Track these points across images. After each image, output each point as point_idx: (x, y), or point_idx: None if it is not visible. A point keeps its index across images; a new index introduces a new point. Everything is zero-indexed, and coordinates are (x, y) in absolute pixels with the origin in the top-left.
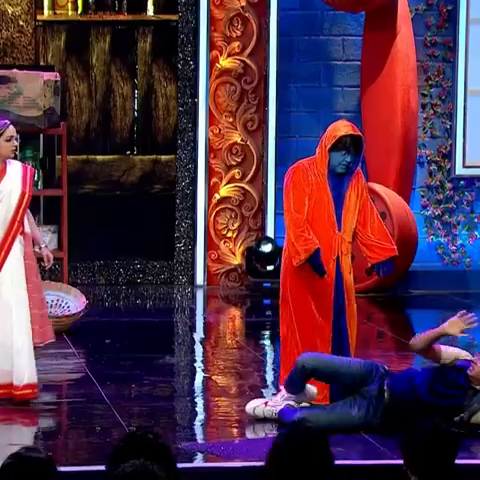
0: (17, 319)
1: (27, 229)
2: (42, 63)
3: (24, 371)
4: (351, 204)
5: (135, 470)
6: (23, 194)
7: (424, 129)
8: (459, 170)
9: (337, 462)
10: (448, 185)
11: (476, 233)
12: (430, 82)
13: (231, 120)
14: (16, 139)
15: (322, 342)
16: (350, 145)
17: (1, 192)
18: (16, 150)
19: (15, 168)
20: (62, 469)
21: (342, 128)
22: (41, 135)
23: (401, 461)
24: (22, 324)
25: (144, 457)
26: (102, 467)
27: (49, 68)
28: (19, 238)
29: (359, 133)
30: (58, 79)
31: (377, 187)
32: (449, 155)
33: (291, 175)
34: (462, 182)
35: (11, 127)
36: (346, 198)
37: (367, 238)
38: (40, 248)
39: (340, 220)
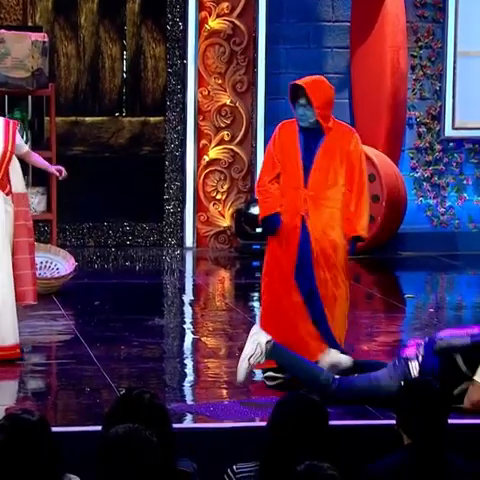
0: None
1: (20, 189)
2: (30, 24)
3: (9, 331)
4: (323, 162)
5: (127, 433)
6: (5, 152)
7: (413, 91)
8: (448, 132)
9: (330, 422)
10: (437, 147)
11: (465, 195)
12: (420, 43)
13: (220, 82)
14: None
15: (293, 311)
16: (296, 96)
17: None
18: None
19: None
20: (52, 429)
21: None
22: (29, 96)
23: (393, 421)
24: (5, 284)
25: (139, 417)
26: (92, 428)
27: (37, 29)
28: (2, 196)
29: (300, 82)
30: (46, 40)
31: (366, 149)
32: (438, 117)
33: (272, 136)
34: (451, 144)
35: None
36: (317, 156)
37: (347, 213)
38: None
39: (307, 177)
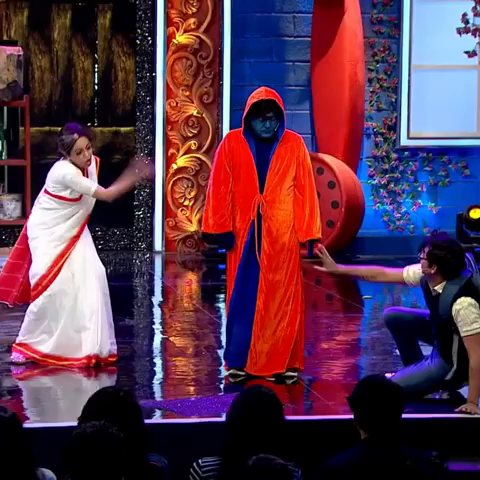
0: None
1: None
2: (5, 38)
3: None
4: (278, 168)
5: (93, 430)
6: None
7: (371, 102)
8: (404, 141)
9: (288, 418)
10: (393, 155)
11: (419, 201)
12: (376, 57)
13: (187, 93)
14: (88, 148)
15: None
16: (264, 110)
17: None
18: (90, 161)
19: (92, 165)
20: (25, 426)
21: (255, 95)
22: (5, 107)
23: (350, 416)
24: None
25: (114, 414)
26: (64, 423)
27: (12, 43)
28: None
29: (271, 97)
30: (21, 53)
31: (326, 157)
32: (394, 127)
33: (220, 145)
34: (406, 153)
35: (80, 139)
36: (272, 162)
37: (301, 217)
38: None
39: (263, 183)
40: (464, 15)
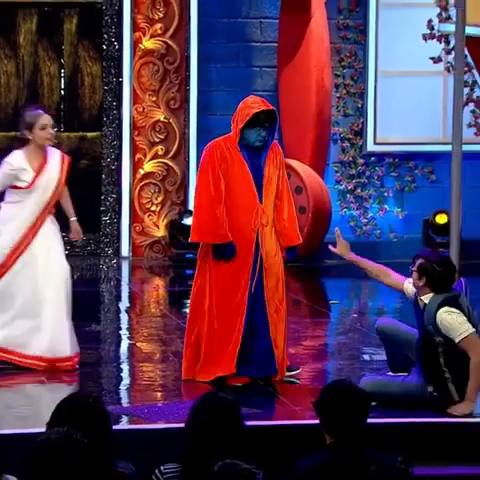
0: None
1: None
2: None
3: None
4: (270, 176)
5: (57, 437)
6: (60, 181)
7: (337, 108)
8: (370, 147)
9: (254, 423)
10: (360, 161)
11: (386, 206)
12: (343, 63)
13: (154, 99)
14: (52, 127)
15: (237, 313)
16: (264, 121)
17: (42, 180)
18: (52, 139)
19: (55, 158)
20: None
21: (254, 105)
22: None
23: (317, 421)
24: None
25: (81, 420)
26: (30, 430)
27: None
28: (51, 218)
29: (271, 107)
30: None
31: (293, 163)
32: (361, 132)
33: (205, 153)
34: (373, 158)
35: (45, 116)
36: (265, 171)
37: (281, 221)
38: (70, 221)
39: (261, 192)
40: (429, 21)
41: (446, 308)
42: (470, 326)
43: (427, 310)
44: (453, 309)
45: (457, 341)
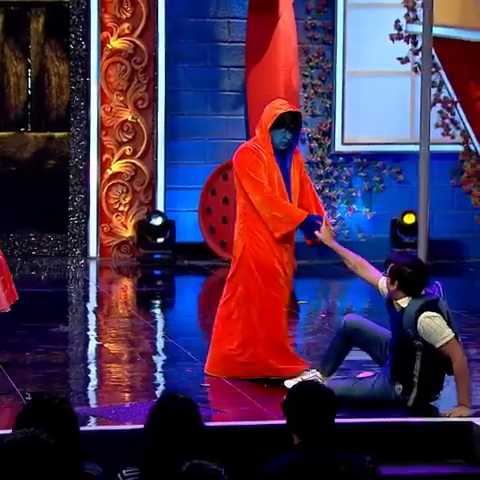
0: None
1: None
2: None
3: None
4: (295, 180)
5: (22, 437)
6: None
7: (305, 108)
8: (338, 147)
9: (221, 423)
10: (328, 161)
11: (354, 206)
12: (311, 63)
13: (122, 98)
14: None
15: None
16: (290, 122)
17: None
18: None
19: None
20: None
21: (280, 106)
22: None
23: (284, 421)
24: None
25: (48, 422)
26: None
27: None
28: None
29: (297, 109)
30: None
31: None
32: (329, 133)
33: (243, 157)
34: (341, 158)
35: None
36: (291, 174)
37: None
38: None
39: (290, 195)
40: (397, 22)
41: (428, 313)
42: (451, 331)
43: (406, 314)
44: (434, 314)
45: (438, 346)
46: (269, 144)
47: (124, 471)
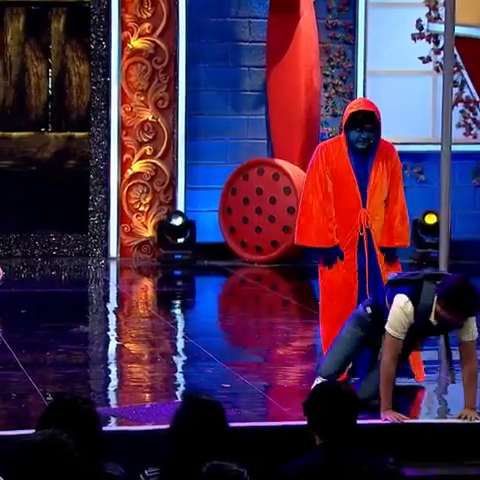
0: None
1: None
2: None
3: None
4: (377, 181)
5: (41, 439)
6: None
7: (326, 108)
8: None
9: (242, 424)
10: None
11: None
12: (332, 63)
13: (142, 98)
14: None
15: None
16: (362, 121)
17: None
18: None
19: None
20: None
21: (354, 105)
22: None
23: (305, 422)
24: None
25: (70, 422)
26: (18, 432)
27: None
28: None
29: (370, 108)
30: None
31: (282, 163)
32: None
33: (314, 155)
34: None
35: None
36: (371, 175)
37: (387, 218)
38: None
39: (365, 197)
40: (419, 21)
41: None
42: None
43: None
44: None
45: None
46: (344, 143)
47: (146, 471)
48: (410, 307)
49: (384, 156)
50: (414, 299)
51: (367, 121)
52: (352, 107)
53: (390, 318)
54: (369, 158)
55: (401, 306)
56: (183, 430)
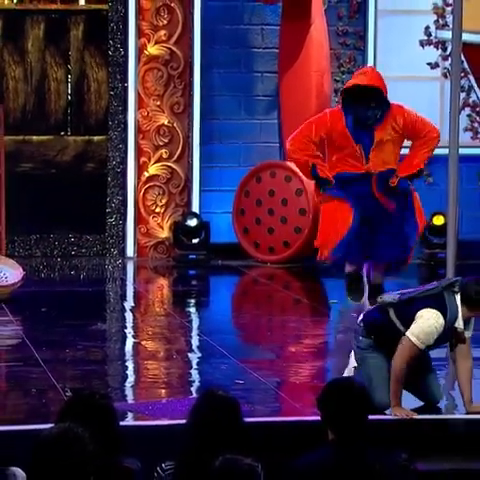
0: None
1: None
2: None
3: None
4: (383, 142)
5: (57, 432)
6: None
7: None
8: None
9: (255, 419)
10: None
11: None
12: (342, 69)
13: (158, 103)
14: None
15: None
16: (369, 99)
17: None
18: None
19: None
20: (0, 428)
21: (359, 76)
22: None
23: (316, 417)
24: None
25: (88, 417)
26: (38, 426)
27: None
28: None
29: (374, 84)
30: None
31: (293, 166)
32: None
33: (319, 114)
34: None
35: None
36: (375, 138)
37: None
38: None
39: (368, 156)
40: (427, 28)
41: None
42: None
43: None
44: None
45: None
46: (341, 114)
47: (163, 465)
48: (441, 321)
49: (391, 116)
50: (442, 312)
51: (369, 98)
52: (353, 78)
53: (417, 330)
54: (373, 127)
55: (433, 321)
56: (199, 425)
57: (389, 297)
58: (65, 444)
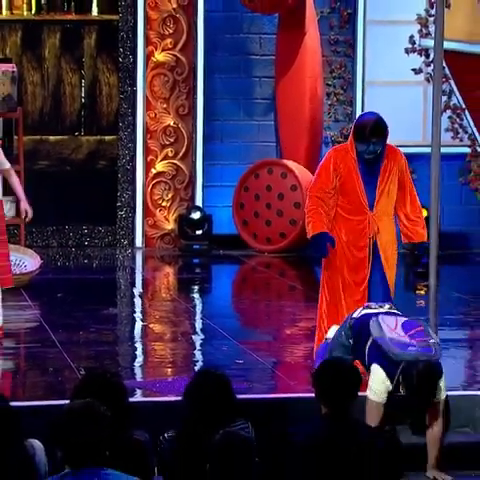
0: None
1: None
2: (1, 56)
3: None
4: (386, 184)
5: (81, 406)
6: None
7: (329, 114)
8: None
9: (253, 396)
10: None
11: None
12: (334, 74)
13: (165, 106)
14: None
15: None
16: (370, 136)
17: None
18: None
19: None
20: (20, 404)
21: (365, 120)
22: (0, 118)
23: (309, 394)
24: None
25: (101, 393)
26: (54, 402)
27: (7, 60)
28: None
29: (377, 124)
30: (15, 70)
31: (289, 163)
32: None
33: (324, 158)
34: None
35: None
36: (379, 180)
37: (403, 218)
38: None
39: (373, 201)
40: (411, 37)
41: None
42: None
43: None
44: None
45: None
46: (353, 152)
47: (166, 434)
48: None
49: (391, 160)
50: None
51: (374, 135)
52: (362, 123)
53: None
54: (377, 166)
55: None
56: (195, 400)
57: (375, 325)
58: (90, 415)
